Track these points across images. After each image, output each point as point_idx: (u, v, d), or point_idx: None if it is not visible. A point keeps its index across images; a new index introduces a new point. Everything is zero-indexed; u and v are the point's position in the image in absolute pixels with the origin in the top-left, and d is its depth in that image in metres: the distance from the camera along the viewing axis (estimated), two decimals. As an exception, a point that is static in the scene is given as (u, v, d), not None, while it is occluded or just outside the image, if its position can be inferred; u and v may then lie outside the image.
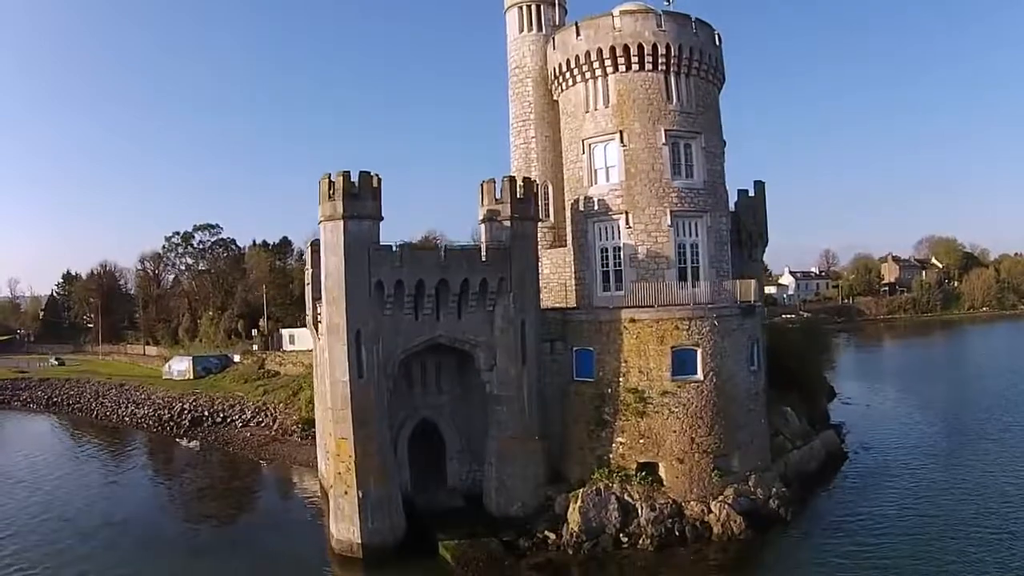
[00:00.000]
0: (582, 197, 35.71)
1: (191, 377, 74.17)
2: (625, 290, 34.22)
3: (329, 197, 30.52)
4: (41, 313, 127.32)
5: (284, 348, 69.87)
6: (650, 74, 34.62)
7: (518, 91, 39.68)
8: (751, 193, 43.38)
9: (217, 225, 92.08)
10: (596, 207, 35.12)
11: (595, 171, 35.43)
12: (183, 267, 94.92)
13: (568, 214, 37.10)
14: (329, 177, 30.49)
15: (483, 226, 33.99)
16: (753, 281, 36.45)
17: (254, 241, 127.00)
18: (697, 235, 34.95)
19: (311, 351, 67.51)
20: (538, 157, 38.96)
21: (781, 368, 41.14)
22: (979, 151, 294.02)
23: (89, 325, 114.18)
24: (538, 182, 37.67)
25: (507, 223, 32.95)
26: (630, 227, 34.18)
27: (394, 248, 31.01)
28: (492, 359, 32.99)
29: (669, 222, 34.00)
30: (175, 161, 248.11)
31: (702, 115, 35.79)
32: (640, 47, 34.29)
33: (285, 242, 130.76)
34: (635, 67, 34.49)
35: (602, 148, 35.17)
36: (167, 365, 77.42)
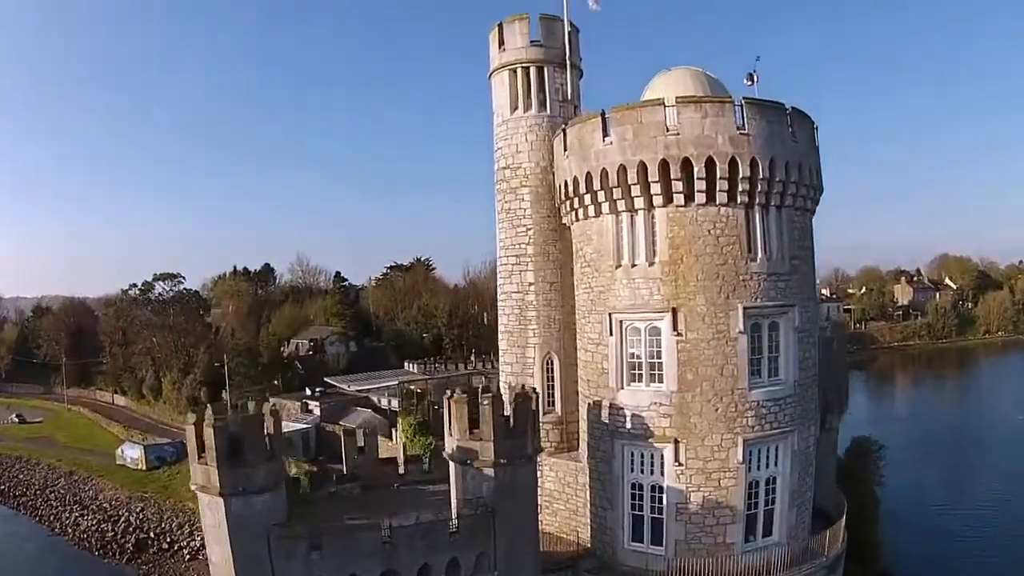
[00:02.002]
0: (607, 403, 20.98)
1: (143, 467, 61.42)
2: (667, 547, 20.16)
3: (199, 457, 17.94)
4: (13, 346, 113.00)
5: (240, 444, 55.58)
6: (725, 210, 19.71)
7: (509, 207, 24.44)
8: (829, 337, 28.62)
9: (178, 275, 77.45)
10: (629, 425, 20.48)
11: (628, 365, 20.67)
12: (144, 319, 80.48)
13: (583, 414, 22.35)
14: (200, 422, 17.48)
15: (453, 469, 19.56)
16: (841, 523, 22.40)
17: (235, 267, 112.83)
18: (777, 464, 20.63)
19: (269, 452, 54.36)
20: (538, 315, 23.86)
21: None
22: (982, 150, 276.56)
23: (64, 359, 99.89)
24: (536, 386, 23.10)
25: (489, 471, 18.46)
26: (681, 464, 19.67)
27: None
28: (468, 666, 19.06)
29: (740, 457, 19.61)
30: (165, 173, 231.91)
31: (797, 272, 21.01)
32: (710, 163, 19.34)
33: (267, 269, 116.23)
34: (700, 198, 19.57)
35: (642, 331, 20.33)
36: (120, 449, 64.92)
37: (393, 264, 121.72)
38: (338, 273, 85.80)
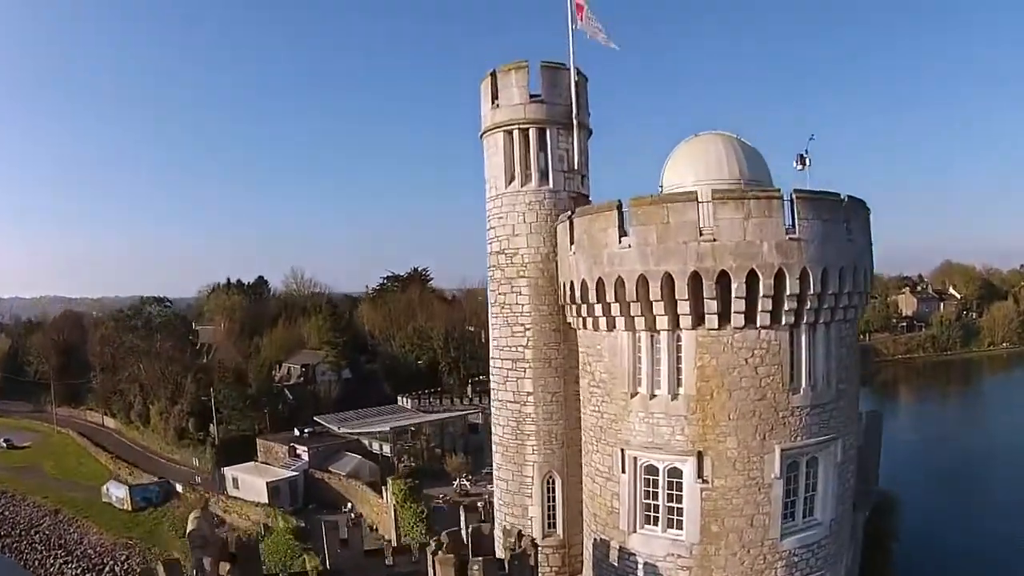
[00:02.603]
0: (616, 545, 17.18)
1: (129, 508, 57.89)
2: None
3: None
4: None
5: (228, 491, 51.85)
6: (767, 333, 15.78)
7: (503, 300, 20.32)
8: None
9: (165, 299, 73.09)
10: (641, 573, 16.69)
11: (642, 506, 16.84)
12: (130, 344, 76.60)
13: (587, 546, 18.42)
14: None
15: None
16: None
17: (228, 280, 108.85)
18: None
19: (258, 504, 50.86)
20: (537, 430, 19.80)
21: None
22: (984, 151, 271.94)
23: (54, 379, 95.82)
24: (536, 508, 19.32)
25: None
26: (706, 625, 15.89)
27: None
28: None
29: (772, 616, 15.81)
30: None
31: (843, 397, 17.23)
32: (752, 277, 15.35)
33: (261, 282, 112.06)
34: (738, 320, 15.60)
35: (660, 471, 16.49)
36: (105, 487, 61.31)
37: (390, 274, 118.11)
38: (330, 299, 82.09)
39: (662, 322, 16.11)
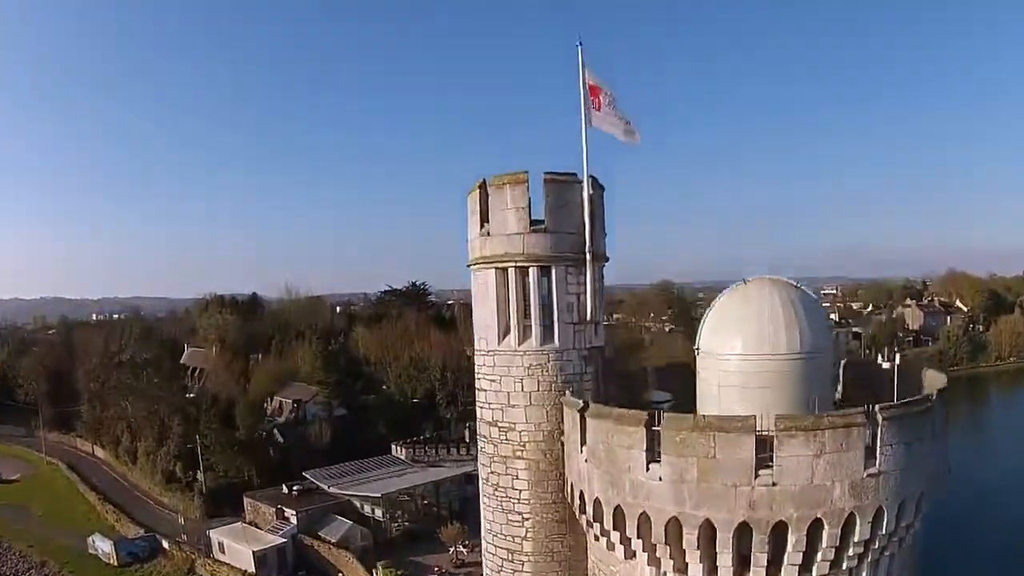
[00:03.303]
0: None
1: (115, 563, 54.63)
2: None
3: None
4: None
5: (215, 554, 48.67)
6: (832, 588, 12.42)
7: (497, 482, 16.63)
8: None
9: (159, 331, 69.47)
10: None
11: None
12: (115, 382, 73.44)
13: None
14: None
15: None
16: None
17: (222, 297, 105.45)
18: None
19: (245, 573, 47.64)
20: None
21: None
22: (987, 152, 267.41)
23: (43, 406, 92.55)
24: None
25: None
26: None
27: None
28: None
29: None
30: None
31: None
32: (816, 525, 11.94)
33: (255, 299, 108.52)
34: (792, 572, 12.28)
35: None
36: (91, 539, 58.02)
37: (388, 288, 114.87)
38: (323, 336, 79.13)
39: (695, 569, 12.73)
